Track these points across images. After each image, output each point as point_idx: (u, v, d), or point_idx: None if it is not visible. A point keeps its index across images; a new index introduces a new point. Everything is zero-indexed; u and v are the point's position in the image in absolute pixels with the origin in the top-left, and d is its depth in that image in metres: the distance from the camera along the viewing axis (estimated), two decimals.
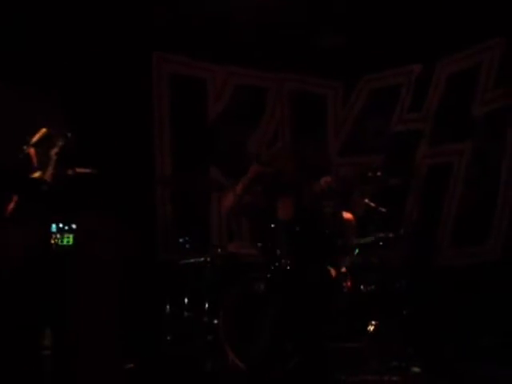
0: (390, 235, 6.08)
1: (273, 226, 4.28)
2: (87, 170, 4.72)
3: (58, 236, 4.49)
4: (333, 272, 5.68)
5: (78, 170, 4.69)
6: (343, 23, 7.34)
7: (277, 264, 4.17)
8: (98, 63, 6.66)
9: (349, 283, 5.84)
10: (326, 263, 4.44)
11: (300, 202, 4.37)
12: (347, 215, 6.28)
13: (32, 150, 4.55)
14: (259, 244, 4.38)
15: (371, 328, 5.64)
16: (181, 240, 6.04)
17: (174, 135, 7.24)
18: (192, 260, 5.97)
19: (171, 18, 6.97)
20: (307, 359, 3.80)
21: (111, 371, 4.91)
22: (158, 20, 6.93)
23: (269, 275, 4.21)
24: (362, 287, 5.92)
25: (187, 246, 6.02)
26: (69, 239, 4.55)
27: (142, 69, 7.03)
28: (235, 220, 5.39)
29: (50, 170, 4.38)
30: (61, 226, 4.50)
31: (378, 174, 6.36)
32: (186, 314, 5.88)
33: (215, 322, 5.53)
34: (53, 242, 4.44)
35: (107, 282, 5.30)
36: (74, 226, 4.55)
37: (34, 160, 4.55)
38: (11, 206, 4.53)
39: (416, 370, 5.36)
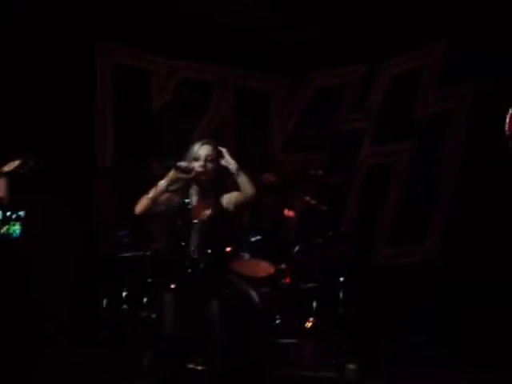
0: (330, 233, 6.12)
1: (188, 225, 4.26)
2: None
3: (4, 225, 4.41)
4: (271, 268, 5.70)
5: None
6: (290, 20, 7.36)
7: (190, 265, 4.17)
8: (40, 51, 6.54)
9: (288, 280, 5.87)
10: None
11: (218, 202, 4.35)
12: (288, 212, 6.32)
13: None
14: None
15: (309, 325, 5.68)
16: (120, 233, 5.98)
17: (117, 127, 7.14)
18: (131, 254, 5.92)
19: (117, 8, 6.88)
20: (242, 356, 3.79)
21: (61, 362, 4.87)
22: (103, 9, 6.82)
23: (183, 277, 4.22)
24: (301, 284, 5.96)
25: (127, 239, 5.97)
26: (15, 228, 4.46)
27: (85, 58, 6.91)
28: (148, 223, 5.35)
29: None
30: (8, 214, 4.42)
31: (320, 171, 6.41)
32: (123, 307, 5.83)
33: (153, 316, 5.50)
34: None
35: (58, 269, 5.23)
36: (21, 214, 4.47)
37: None
38: None
39: (352, 366, 5.42)
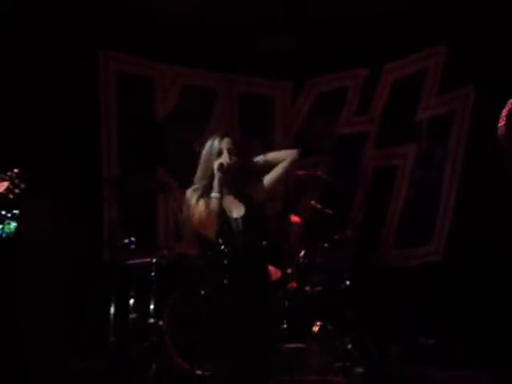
0: (336, 237, 6.14)
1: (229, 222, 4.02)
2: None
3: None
4: (278, 273, 5.71)
5: None
6: (292, 25, 7.39)
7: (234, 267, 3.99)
8: (43, 62, 6.56)
9: (294, 284, 5.89)
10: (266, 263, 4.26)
11: (252, 196, 4.12)
12: (294, 218, 6.32)
13: None
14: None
15: (316, 328, 5.69)
16: (126, 241, 5.99)
17: (122, 135, 7.16)
18: (137, 261, 5.94)
19: (120, 16, 6.91)
20: (250, 359, 3.77)
21: (59, 369, 4.85)
22: (106, 18, 6.85)
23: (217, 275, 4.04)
24: (307, 288, 5.97)
25: (132, 246, 5.98)
26: (10, 227, 4.41)
27: (88, 67, 6.93)
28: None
29: None
30: (3, 213, 4.34)
31: (325, 176, 6.41)
32: (131, 315, 5.84)
33: (160, 323, 5.52)
34: None
35: (53, 274, 5.18)
36: (16, 213, 4.39)
37: None
38: None
39: (359, 370, 5.42)
